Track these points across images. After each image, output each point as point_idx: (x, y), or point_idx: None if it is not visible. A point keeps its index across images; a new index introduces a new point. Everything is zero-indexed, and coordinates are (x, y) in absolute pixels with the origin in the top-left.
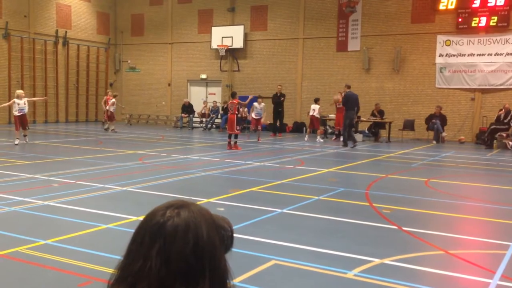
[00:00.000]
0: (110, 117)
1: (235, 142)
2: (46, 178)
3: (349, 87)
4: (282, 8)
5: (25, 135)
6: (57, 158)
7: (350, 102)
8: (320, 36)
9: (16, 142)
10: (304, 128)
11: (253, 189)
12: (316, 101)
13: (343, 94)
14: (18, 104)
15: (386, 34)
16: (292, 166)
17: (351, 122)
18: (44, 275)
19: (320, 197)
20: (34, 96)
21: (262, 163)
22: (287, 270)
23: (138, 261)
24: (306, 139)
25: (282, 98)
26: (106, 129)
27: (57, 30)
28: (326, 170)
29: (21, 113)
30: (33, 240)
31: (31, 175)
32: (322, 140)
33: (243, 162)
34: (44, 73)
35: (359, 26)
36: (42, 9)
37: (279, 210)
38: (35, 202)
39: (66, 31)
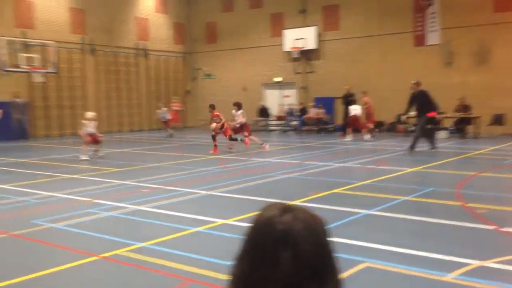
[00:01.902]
0: (168, 123)
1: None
2: (135, 184)
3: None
4: (354, 6)
5: (96, 150)
6: (144, 164)
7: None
8: (396, 31)
9: (84, 158)
10: (373, 128)
11: (335, 190)
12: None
13: (412, 92)
14: (88, 127)
15: (468, 26)
16: (373, 166)
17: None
18: (143, 276)
19: (407, 198)
20: (120, 107)
21: (341, 164)
22: (380, 273)
23: (265, 268)
24: (368, 137)
25: (350, 98)
26: (169, 135)
27: (137, 43)
28: (410, 169)
29: (91, 133)
30: (130, 243)
31: (122, 182)
32: (370, 137)
33: (323, 163)
34: (128, 84)
35: (437, 18)
36: (123, 23)
37: (365, 212)
38: (128, 207)
39: (145, 43)
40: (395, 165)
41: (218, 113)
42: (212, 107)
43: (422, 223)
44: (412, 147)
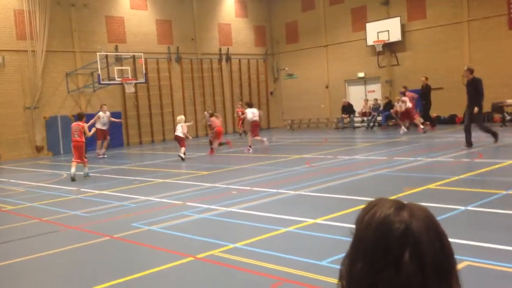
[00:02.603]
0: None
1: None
2: (225, 186)
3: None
4: None
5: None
6: (231, 167)
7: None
8: (488, 15)
9: (183, 157)
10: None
11: (429, 186)
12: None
13: (469, 79)
14: (184, 129)
15: None
16: (469, 160)
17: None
18: (238, 276)
19: (508, 192)
20: (204, 112)
21: (434, 159)
22: (483, 272)
23: (386, 269)
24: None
25: (425, 90)
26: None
27: (220, 48)
28: (510, 161)
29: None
30: (223, 244)
31: (212, 184)
32: (406, 130)
33: (414, 158)
34: (212, 89)
35: None
36: (206, 31)
37: (463, 208)
38: (219, 209)
39: (228, 48)
40: (492, 157)
41: (212, 119)
42: (210, 115)
43: None
44: (495, 138)
